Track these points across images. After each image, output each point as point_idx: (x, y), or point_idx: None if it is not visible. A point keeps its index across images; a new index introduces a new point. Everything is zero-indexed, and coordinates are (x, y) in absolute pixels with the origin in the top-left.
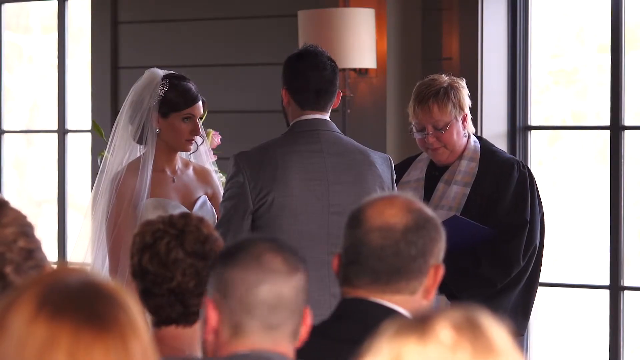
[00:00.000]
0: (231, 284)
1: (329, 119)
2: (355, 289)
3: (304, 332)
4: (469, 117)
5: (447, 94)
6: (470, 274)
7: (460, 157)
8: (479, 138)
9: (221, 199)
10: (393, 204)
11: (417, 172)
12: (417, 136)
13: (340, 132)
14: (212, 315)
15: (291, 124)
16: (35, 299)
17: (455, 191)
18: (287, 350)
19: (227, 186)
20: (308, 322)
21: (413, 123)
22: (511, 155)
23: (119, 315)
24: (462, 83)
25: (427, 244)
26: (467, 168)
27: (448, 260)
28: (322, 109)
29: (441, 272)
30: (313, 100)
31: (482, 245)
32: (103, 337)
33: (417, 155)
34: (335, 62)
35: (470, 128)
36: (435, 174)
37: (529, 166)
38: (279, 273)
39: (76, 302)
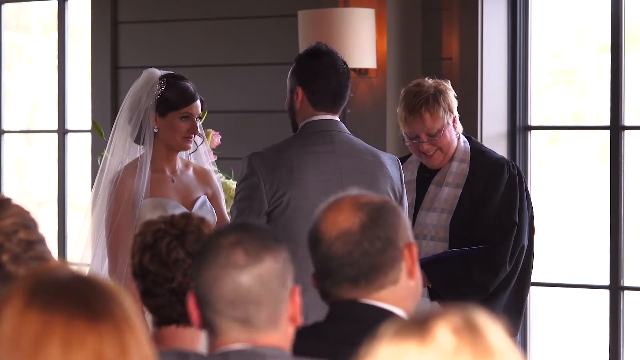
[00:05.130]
0: (198, 283)
1: (339, 120)
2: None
3: (294, 312)
4: (457, 116)
5: (437, 101)
6: (461, 282)
7: (451, 158)
8: (469, 138)
9: (221, 199)
10: (341, 208)
11: (408, 174)
12: (409, 143)
13: (350, 133)
14: (193, 310)
15: (302, 124)
16: (26, 290)
17: (447, 193)
18: (269, 342)
19: (240, 187)
20: (297, 300)
21: (404, 132)
22: (501, 156)
23: (112, 307)
24: (448, 85)
25: (389, 232)
26: (457, 169)
27: (438, 269)
28: (336, 111)
29: (415, 249)
30: (330, 102)
31: (469, 252)
32: (97, 326)
33: (407, 156)
34: (347, 65)
35: (459, 127)
36: (426, 175)
37: (528, 166)
38: (235, 267)
39: (68, 292)
